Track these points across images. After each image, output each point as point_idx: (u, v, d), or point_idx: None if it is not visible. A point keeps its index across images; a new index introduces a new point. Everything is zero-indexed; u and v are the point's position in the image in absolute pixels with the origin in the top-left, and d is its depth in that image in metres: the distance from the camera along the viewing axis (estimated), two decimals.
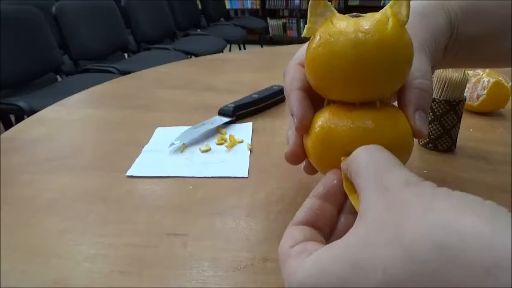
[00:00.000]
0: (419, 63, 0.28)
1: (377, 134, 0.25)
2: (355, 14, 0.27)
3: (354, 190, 0.23)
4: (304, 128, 0.29)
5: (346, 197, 0.25)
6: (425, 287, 0.15)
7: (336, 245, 0.19)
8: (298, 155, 0.30)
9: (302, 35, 0.27)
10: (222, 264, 0.30)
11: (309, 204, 0.24)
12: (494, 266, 0.13)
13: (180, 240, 0.32)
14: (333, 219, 0.24)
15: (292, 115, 0.29)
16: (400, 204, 0.18)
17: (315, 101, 0.30)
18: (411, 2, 0.32)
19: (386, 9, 0.25)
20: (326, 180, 0.25)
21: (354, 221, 0.21)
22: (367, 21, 0.25)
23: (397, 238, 0.16)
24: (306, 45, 0.30)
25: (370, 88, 0.26)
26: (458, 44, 0.33)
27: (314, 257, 0.19)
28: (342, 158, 0.25)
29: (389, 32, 0.24)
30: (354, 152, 0.23)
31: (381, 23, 0.24)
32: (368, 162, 0.22)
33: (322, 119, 0.27)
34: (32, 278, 0.29)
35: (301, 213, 0.24)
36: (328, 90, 0.28)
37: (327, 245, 0.20)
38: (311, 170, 0.32)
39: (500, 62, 0.39)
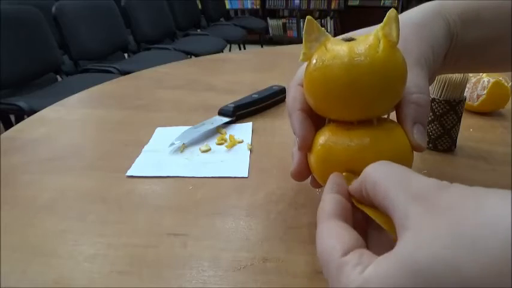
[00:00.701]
0: (415, 78, 0.29)
1: (374, 151, 0.26)
2: (348, 37, 0.28)
3: (361, 201, 0.24)
4: (306, 147, 0.30)
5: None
6: (502, 279, 0.14)
7: (395, 258, 0.17)
8: (302, 173, 0.32)
9: (299, 60, 0.29)
10: (222, 264, 0.30)
11: (333, 198, 0.24)
12: None
13: (180, 240, 0.32)
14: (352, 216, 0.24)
15: (295, 134, 0.30)
16: (444, 207, 0.17)
17: (316, 118, 0.31)
18: (409, 12, 0.33)
19: (378, 31, 0.26)
20: (335, 178, 0.26)
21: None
22: (359, 44, 0.26)
23: (459, 235, 0.15)
24: (305, 65, 0.31)
25: (365, 108, 0.27)
26: (459, 51, 0.34)
27: (376, 273, 0.18)
28: (343, 174, 0.27)
29: (380, 55, 0.25)
30: (365, 170, 0.23)
31: (372, 46, 0.26)
32: (384, 173, 0.21)
33: (323, 138, 0.29)
34: (32, 278, 0.29)
35: (333, 205, 0.23)
36: (326, 111, 0.29)
37: (382, 259, 0.18)
38: (316, 184, 0.33)
39: (500, 67, 0.39)
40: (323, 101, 0.28)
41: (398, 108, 0.29)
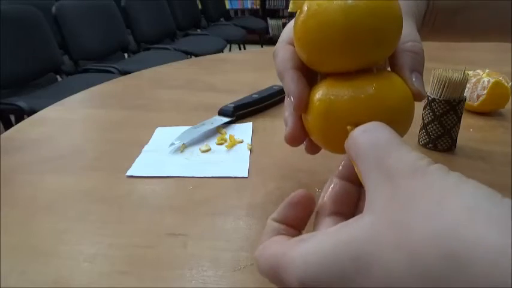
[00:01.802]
0: (408, 28, 0.29)
1: (380, 99, 0.25)
2: None
3: None
4: (302, 106, 0.28)
5: None
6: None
7: (340, 234, 0.18)
8: (298, 136, 0.30)
9: (288, 10, 0.27)
10: (222, 264, 0.30)
11: (333, 190, 0.24)
12: (502, 285, 0.13)
13: (180, 240, 0.32)
14: (355, 200, 0.24)
15: (288, 96, 0.29)
16: (408, 196, 0.17)
17: (309, 79, 0.29)
18: None
19: None
20: (344, 162, 0.25)
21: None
22: None
23: (404, 241, 0.16)
24: (290, 24, 0.29)
25: (365, 54, 0.25)
26: (435, 15, 0.34)
27: (314, 246, 0.18)
28: (348, 127, 0.24)
29: None
30: (351, 134, 0.22)
31: None
32: (367, 144, 0.20)
33: (321, 93, 0.27)
34: (32, 278, 0.29)
35: (330, 200, 0.24)
36: (323, 63, 0.27)
37: (330, 231, 0.19)
38: (313, 149, 0.32)
39: (476, 36, 0.40)
40: (319, 51, 0.26)
41: (393, 57, 0.28)
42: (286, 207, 0.23)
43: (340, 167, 0.25)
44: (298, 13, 0.27)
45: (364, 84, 0.25)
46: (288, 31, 0.30)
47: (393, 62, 0.28)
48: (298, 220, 0.23)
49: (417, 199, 0.16)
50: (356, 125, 0.23)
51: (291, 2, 0.27)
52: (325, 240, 0.18)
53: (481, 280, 0.13)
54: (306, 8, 0.26)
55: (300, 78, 0.28)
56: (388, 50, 0.27)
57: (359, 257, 0.16)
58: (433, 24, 0.35)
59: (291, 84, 0.28)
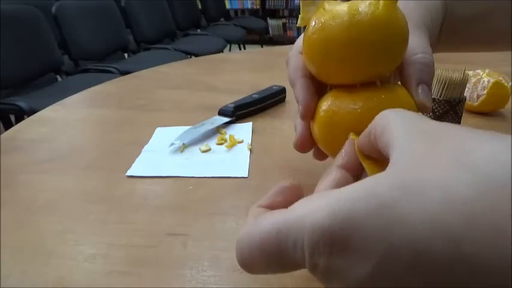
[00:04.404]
0: (418, 40, 0.29)
1: (380, 112, 0.25)
2: None
3: (367, 156, 0.22)
4: (309, 115, 0.29)
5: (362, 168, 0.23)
6: (494, 202, 0.13)
7: (357, 186, 0.16)
8: (306, 143, 0.31)
9: (297, 25, 0.28)
10: (222, 264, 0.30)
11: (330, 178, 0.23)
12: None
13: (180, 240, 0.32)
14: None
15: (298, 103, 0.29)
16: (447, 135, 0.16)
17: (319, 87, 0.30)
18: None
19: None
20: (346, 149, 0.24)
21: None
22: (359, 3, 0.25)
23: (457, 159, 0.14)
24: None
25: (367, 68, 0.26)
26: (453, 25, 0.34)
27: (325, 202, 0.16)
28: (350, 134, 0.24)
29: (381, 12, 0.25)
30: (379, 114, 0.21)
31: (372, 4, 0.25)
32: (397, 116, 0.19)
33: (326, 104, 0.28)
34: (32, 278, 0.29)
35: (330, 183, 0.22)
36: (328, 76, 0.28)
37: (340, 189, 0.16)
38: (320, 155, 0.32)
39: (493, 45, 0.39)
40: (324, 64, 0.27)
41: (401, 69, 0.28)
42: (274, 194, 0.22)
43: (339, 159, 0.24)
44: (306, 28, 0.28)
45: (365, 97, 0.26)
46: (301, 41, 0.31)
47: (401, 74, 0.28)
48: (288, 205, 0.20)
49: (458, 134, 0.16)
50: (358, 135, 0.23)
51: (299, 17, 0.28)
52: (338, 194, 0.16)
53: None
54: (312, 24, 0.27)
55: (309, 87, 0.29)
56: (392, 63, 0.27)
57: (404, 182, 0.15)
58: (451, 35, 0.35)
59: (300, 92, 0.29)
